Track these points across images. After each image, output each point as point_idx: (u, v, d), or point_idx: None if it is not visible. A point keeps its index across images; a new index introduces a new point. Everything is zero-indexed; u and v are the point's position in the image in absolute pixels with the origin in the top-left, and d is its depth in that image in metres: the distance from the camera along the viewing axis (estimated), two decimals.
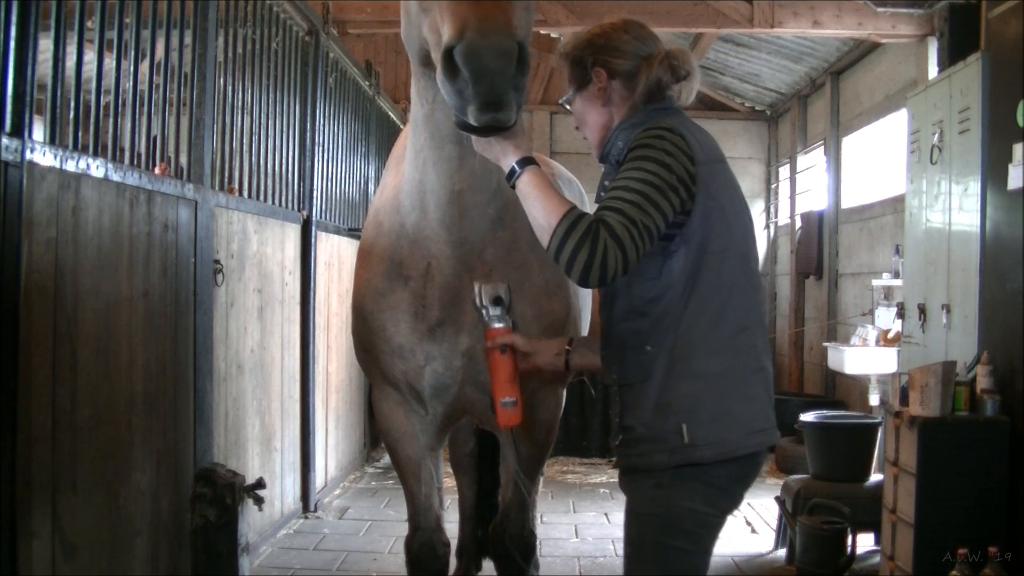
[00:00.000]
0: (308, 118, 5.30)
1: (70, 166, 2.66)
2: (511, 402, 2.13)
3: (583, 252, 1.75)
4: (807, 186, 8.99)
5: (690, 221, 1.87)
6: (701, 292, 1.89)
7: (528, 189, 1.87)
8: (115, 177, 2.92)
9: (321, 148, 5.59)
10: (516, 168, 1.89)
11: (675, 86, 2.04)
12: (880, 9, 5.86)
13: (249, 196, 4.39)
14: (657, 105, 2.02)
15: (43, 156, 2.52)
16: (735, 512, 5.66)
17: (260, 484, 3.67)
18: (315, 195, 5.40)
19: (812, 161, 8.91)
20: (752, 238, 2.05)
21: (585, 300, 3.04)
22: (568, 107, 2.13)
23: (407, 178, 2.38)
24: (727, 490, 1.94)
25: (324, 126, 5.65)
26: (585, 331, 3.05)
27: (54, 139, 2.68)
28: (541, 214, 1.83)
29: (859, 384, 6.75)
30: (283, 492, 4.84)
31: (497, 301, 2.17)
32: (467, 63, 1.64)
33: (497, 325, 2.17)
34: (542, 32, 6.50)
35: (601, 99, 2.05)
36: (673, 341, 1.90)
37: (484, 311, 2.18)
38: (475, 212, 2.30)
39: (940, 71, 5.24)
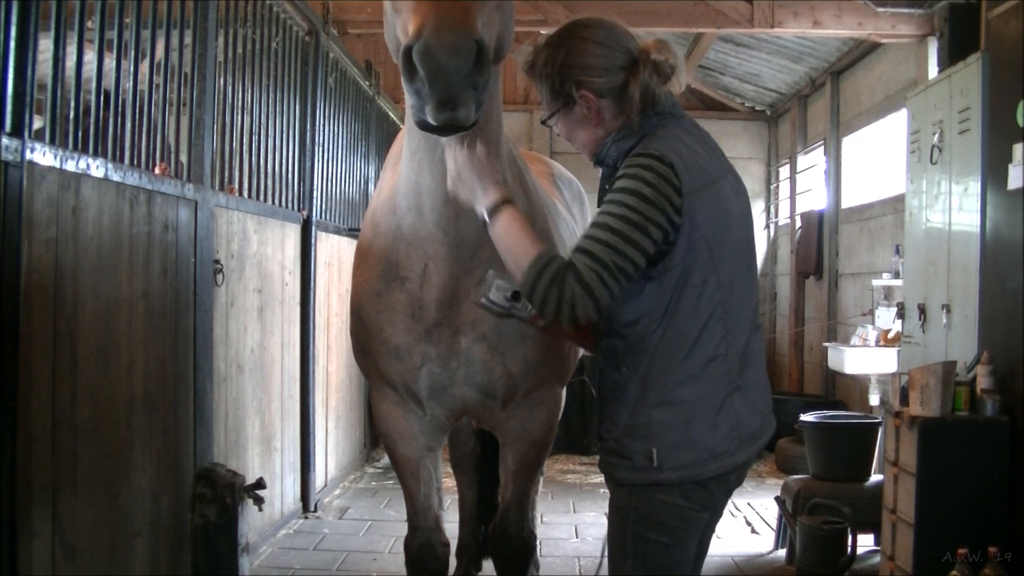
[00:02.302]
0: (308, 118, 5.30)
1: (70, 166, 2.66)
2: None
3: (552, 299, 1.79)
4: (807, 186, 8.98)
5: (674, 251, 1.86)
6: (677, 324, 1.89)
7: (497, 236, 1.92)
8: (115, 177, 2.92)
9: (321, 148, 5.58)
10: (487, 219, 1.93)
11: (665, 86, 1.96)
12: (880, 9, 5.86)
13: (249, 196, 4.39)
14: (652, 111, 1.95)
15: (43, 156, 2.52)
16: (735, 512, 5.65)
17: (260, 484, 3.68)
18: (315, 195, 5.39)
19: (812, 161, 8.90)
20: (745, 252, 2.01)
21: None
22: (547, 124, 2.06)
23: (403, 179, 2.38)
24: (705, 486, 1.95)
25: (324, 126, 5.64)
26: None
27: (54, 139, 2.68)
28: (511, 260, 1.88)
29: (859, 384, 6.75)
30: (283, 492, 4.84)
31: (515, 295, 2.07)
32: (422, 62, 1.63)
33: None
34: (542, 32, 6.49)
35: (593, 120, 1.99)
36: (646, 368, 1.92)
37: (514, 311, 2.08)
38: (471, 213, 2.30)
39: (940, 71, 5.24)
